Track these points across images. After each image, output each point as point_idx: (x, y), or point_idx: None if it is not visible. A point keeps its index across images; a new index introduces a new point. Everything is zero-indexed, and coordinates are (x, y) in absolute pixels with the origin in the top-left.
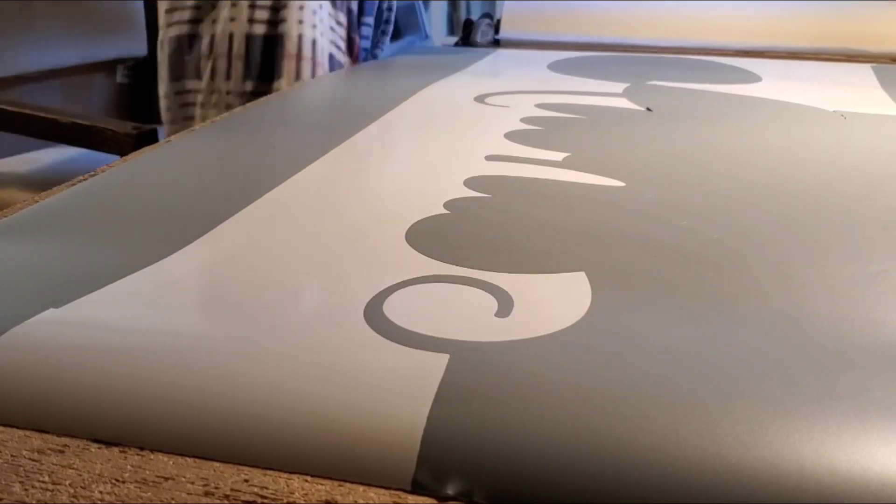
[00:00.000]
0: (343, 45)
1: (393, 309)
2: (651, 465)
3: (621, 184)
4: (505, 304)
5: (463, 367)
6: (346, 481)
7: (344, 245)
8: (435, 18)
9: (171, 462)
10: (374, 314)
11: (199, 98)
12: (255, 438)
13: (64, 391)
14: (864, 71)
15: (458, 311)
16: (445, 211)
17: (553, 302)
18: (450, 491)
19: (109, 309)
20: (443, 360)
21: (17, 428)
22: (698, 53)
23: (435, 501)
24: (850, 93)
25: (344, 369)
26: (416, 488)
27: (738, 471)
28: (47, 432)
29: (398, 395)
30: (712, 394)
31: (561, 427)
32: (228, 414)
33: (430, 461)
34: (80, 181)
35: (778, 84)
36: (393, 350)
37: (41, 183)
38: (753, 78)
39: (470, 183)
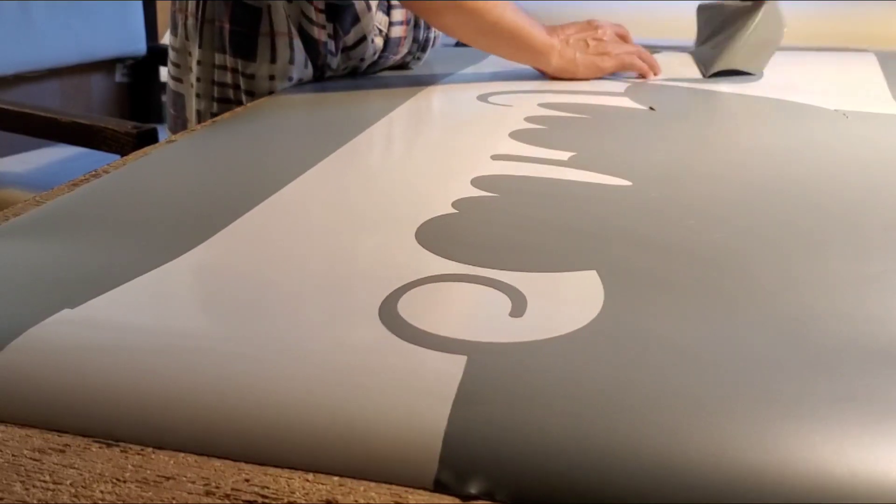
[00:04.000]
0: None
1: (407, 309)
2: (671, 465)
3: (628, 183)
4: (519, 304)
5: (481, 368)
6: (369, 481)
7: (354, 244)
8: None
9: (171, 461)
10: (389, 314)
11: None
12: (278, 441)
13: (83, 391)
14: (870, 62)
15: (473, 310)
16: (454, 210)
17: (566, 301)
18: (472, 490)
19: (124, 309)
20: (461, 361)
21: (36, 428)
22: None
23: (450, 500)
24: (850, 92)
25: (364, 371)
26: (439, 488)
27: (759, 472)
28: (67, 432)
29: (418, 397)
30: (732, 396)
31: (581, 427)
32: (249, 416)
33: (452, 461)
34: (82, 181)
35: (779, 83)
36: (411, 352)
37: (41, 182)
38: (754, 77)
39: (477, 182)
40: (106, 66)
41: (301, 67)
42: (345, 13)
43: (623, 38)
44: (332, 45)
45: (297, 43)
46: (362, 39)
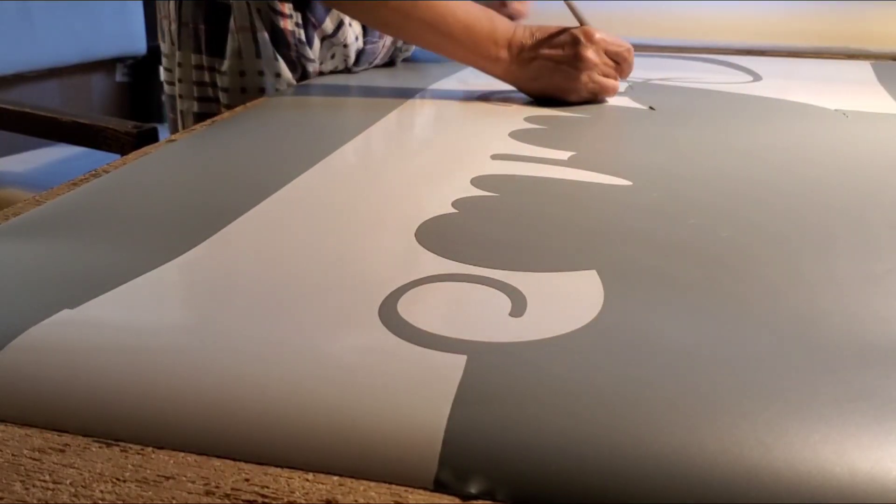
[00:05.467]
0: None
1: (407, 308)
2: (673, 465)
3: (628, 182)
4: (518, 304)
5: (481, 367)
6: (370, 480)
7: (354, 244)
8: None
9: (171, 461)
10: (389, 314)
11: None
12: (278, 440)
13: (83, 391)
14: (865, 69)
15: (473, 310)
16: (454, 210)
17: (566, 301)
18: (472, 490)
19: (123, 309)
20: (461, 360)
21: (36, 427)
22: (699, 53)
23: (449, 500)
24: (851, 91)
25: (364, 370)
26: (439, 488)
27: (760, 471)
28: (67, 432)
29: (418, 397)
30: (730, 394)
31: (581, 427)
32: (249, 416)
33: (452, 461)
34: (82, 180)
35: (779, 83)
36: (411, 352)
37: (41, 182)
38: (754, 77)
39: (477, 182)
40: (106, 65)
41: (270, 61)
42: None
43: (615, 55)
44: (302, 35)
45: (263, 36)
46: (340, 24)
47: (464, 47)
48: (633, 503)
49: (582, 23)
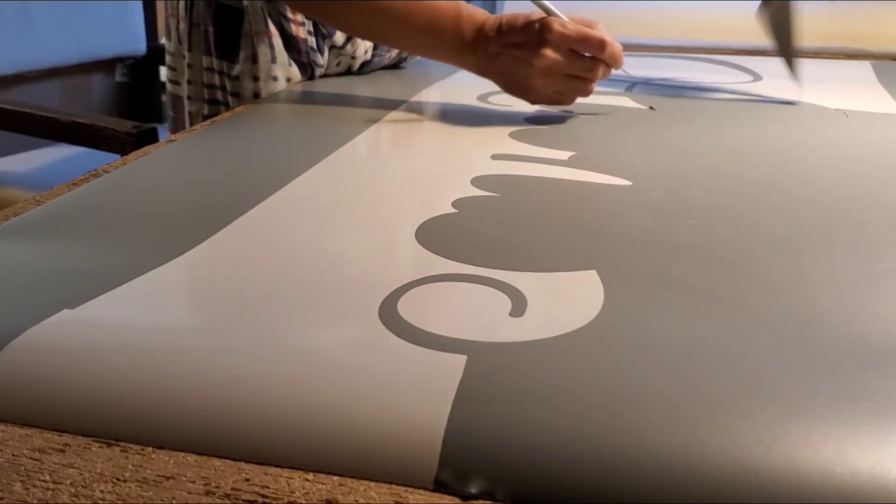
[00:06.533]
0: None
1: (407, 308)
2: (673, 465)
3: (628, 182)
4: (518, 304)
5: (481, 367)
6: (370, 480)
7: (354, 244)
8: None
9: (171, 461)
10: (389, 314)
11: None
12: (278, 441)
13: (83, 391)
14: (865, 69)
15: (473, 310)
16: (454, 210)
17: (566, 301)
18: (472, 490)
19: (123, 309)
20: (461, 360)
21: (36, 427)
22: (699, 53)
23: (450, 500)
24: (851, 91)
25: (364, 370)
26: (439, 488)
27: (760, 471)
28: (67, 432)
29: (419, 397)
30: (730, 394)
31: (581, 427)
32: (249, 416)
33: (452, 461)
34: (82, 180)
35: (779, 83)
36: (411, 351)
37: (41, 182)
38: (754, 77)
39: (477, 182)
40: (106, 65)
41: (285, 66)
42: None
43: (584, 47)
44: (313, 42)
45: (277, 41)
46: (350, 37)
47: (431, 45)
48: (634, 503)
49: (549, 14)
